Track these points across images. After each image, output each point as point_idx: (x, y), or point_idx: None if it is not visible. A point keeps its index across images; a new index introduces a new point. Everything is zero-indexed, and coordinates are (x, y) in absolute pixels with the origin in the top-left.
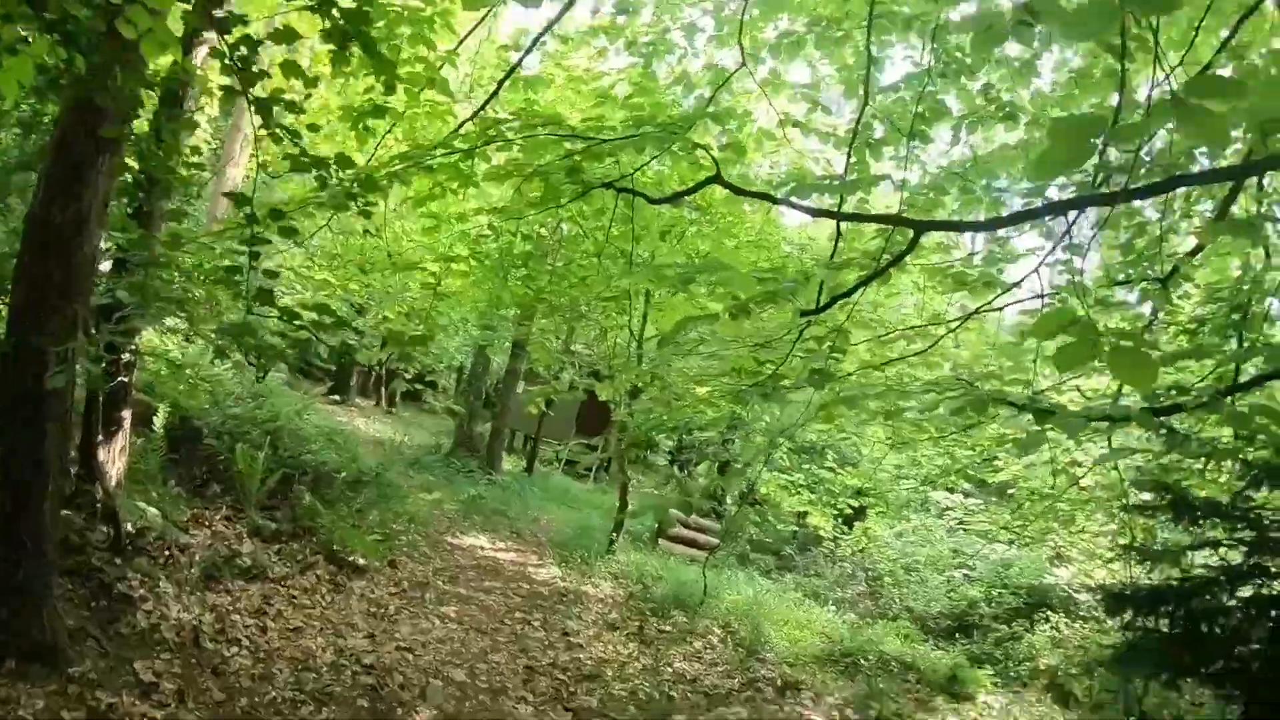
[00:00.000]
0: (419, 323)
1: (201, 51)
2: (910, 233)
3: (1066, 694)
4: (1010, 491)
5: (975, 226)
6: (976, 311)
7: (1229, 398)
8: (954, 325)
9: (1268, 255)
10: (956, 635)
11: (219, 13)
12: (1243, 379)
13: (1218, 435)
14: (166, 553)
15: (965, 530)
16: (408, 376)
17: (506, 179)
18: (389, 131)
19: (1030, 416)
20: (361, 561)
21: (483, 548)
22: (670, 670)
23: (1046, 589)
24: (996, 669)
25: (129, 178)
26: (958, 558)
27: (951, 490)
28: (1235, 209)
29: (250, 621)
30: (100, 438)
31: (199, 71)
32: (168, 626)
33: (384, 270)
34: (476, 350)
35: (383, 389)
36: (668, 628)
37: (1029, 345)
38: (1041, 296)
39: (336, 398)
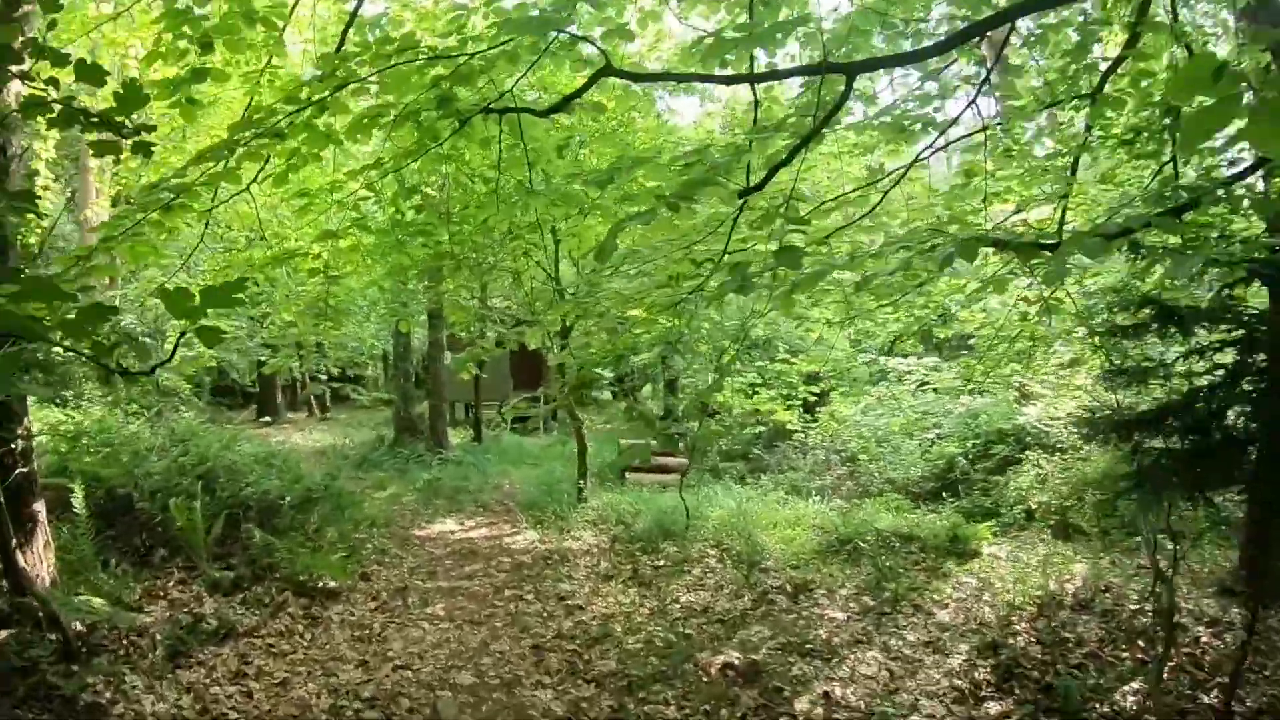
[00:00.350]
0: (319, 315)
1: (13, 87)
2: (841, 85)
3: (1066, 527)
4: (971, 341)
5: (913, 57)
6: (920, 158)
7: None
8: (900, 173)
9: (1190, 53)
10: (943, 495)
11: None
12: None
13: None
14: (125, 641)
15: (929, 390)
16: (324, 379)
17: (371, 127)
18: (245, 112)
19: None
20: (332, 584)
21: (452, 532)
22: (678, 607)
23: (1018, 430)
24: (993, 519)
25: None
26: (926, 419)
27: (906, 355)
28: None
29: (232, 689)
30: (16, 541)
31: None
32: None
33: (267, 269)
34: (394, 331)
35: (311, 397)
36: (661, 562)
37: (975, 186)
38: (985, 129)
39: (266, 419)
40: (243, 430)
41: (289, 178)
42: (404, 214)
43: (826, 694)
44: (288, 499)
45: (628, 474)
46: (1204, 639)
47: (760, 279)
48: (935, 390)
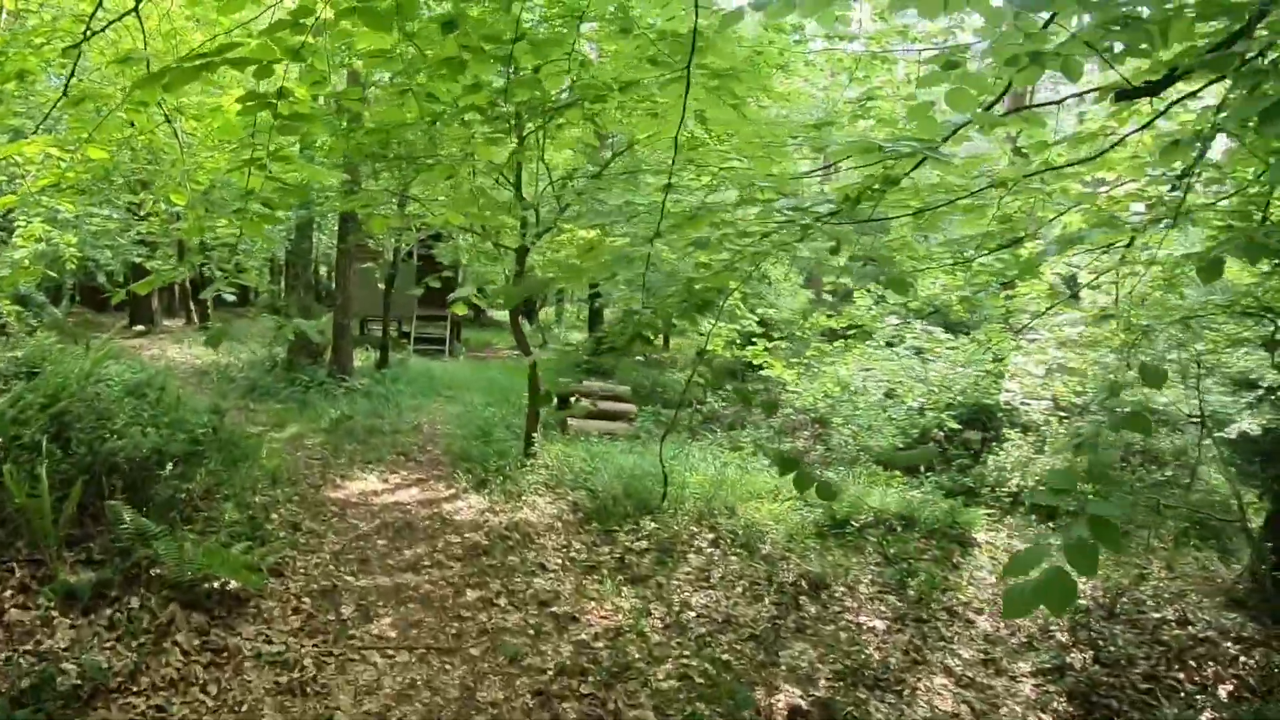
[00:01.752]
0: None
1: None
2: None
3: (1051, 511)
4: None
5: None
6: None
7: None
8: None
9: None
10: (920, 468)
11: None
12: None
13: None
14: None
15: (914, 355)
16: (224, 284)
17: None
18: None
19: None
20: (233, 586)
21: (376, 492)
22: (693, 616)
23: (995, 407)
24: (974, 499)
25: None
26: (912, 386)
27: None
28: None
29: None
30: None
31: None
32: None
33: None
34: (297, 231)
35: (190, 303)
36: (645, 545)
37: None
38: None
39: (139, 328)
40: (111, 345)
41: None
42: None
43: None
44: (168, 456)
45: (570, 420)
46: (1239, 657)
47: None
48: (951, 359)
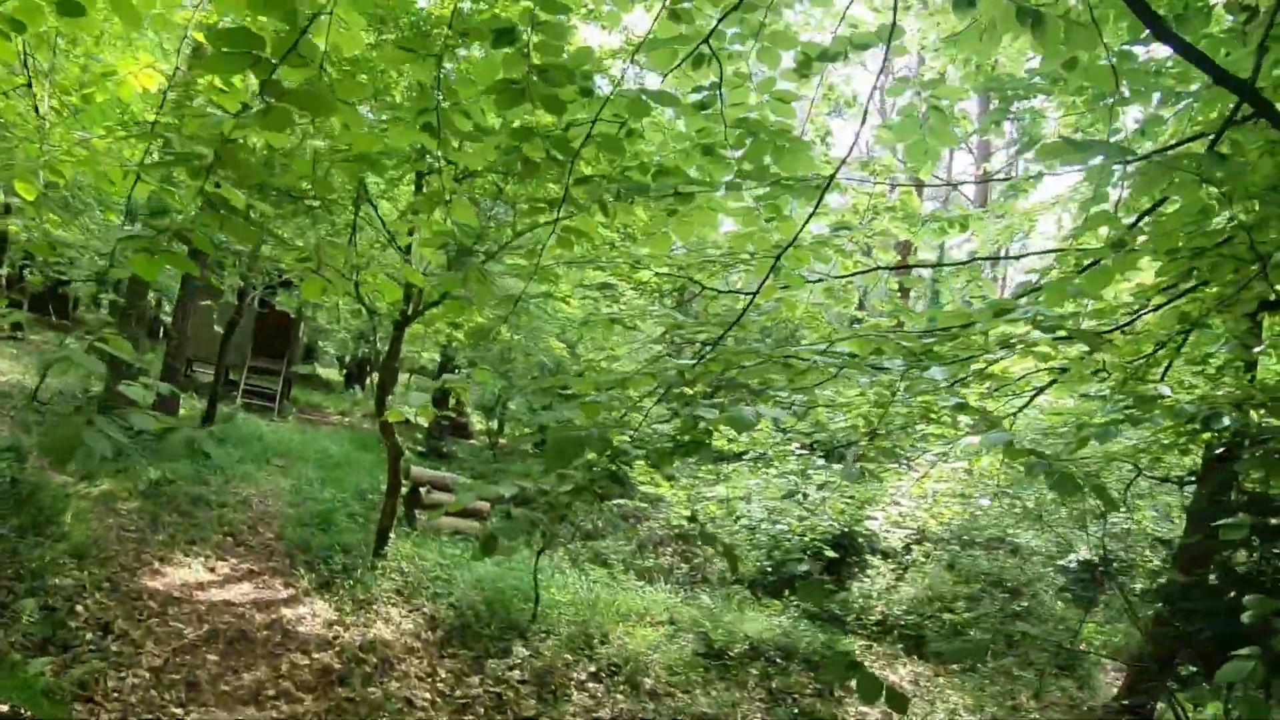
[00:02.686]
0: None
1: None
2: None
3: (918, 641)
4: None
5: None
6: None
7: None
8: None
9: None
10: (784, 592)
11: None
12: None
13: None
14: None
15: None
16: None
17: None
18: None
19: None
20: (28, 715)
21: (202, 585)
22: None
23: (859, 534)
24: (839, 626)
25: None
26: (792, 512)
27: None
28: None
29: None
30: None
31: None
32: None
33: None
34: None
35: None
36: (516, 673)
37: None
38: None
39: None
40: None
41: None
42: None
43: None
44: None
45: (418, 511)
46: None
47: None
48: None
